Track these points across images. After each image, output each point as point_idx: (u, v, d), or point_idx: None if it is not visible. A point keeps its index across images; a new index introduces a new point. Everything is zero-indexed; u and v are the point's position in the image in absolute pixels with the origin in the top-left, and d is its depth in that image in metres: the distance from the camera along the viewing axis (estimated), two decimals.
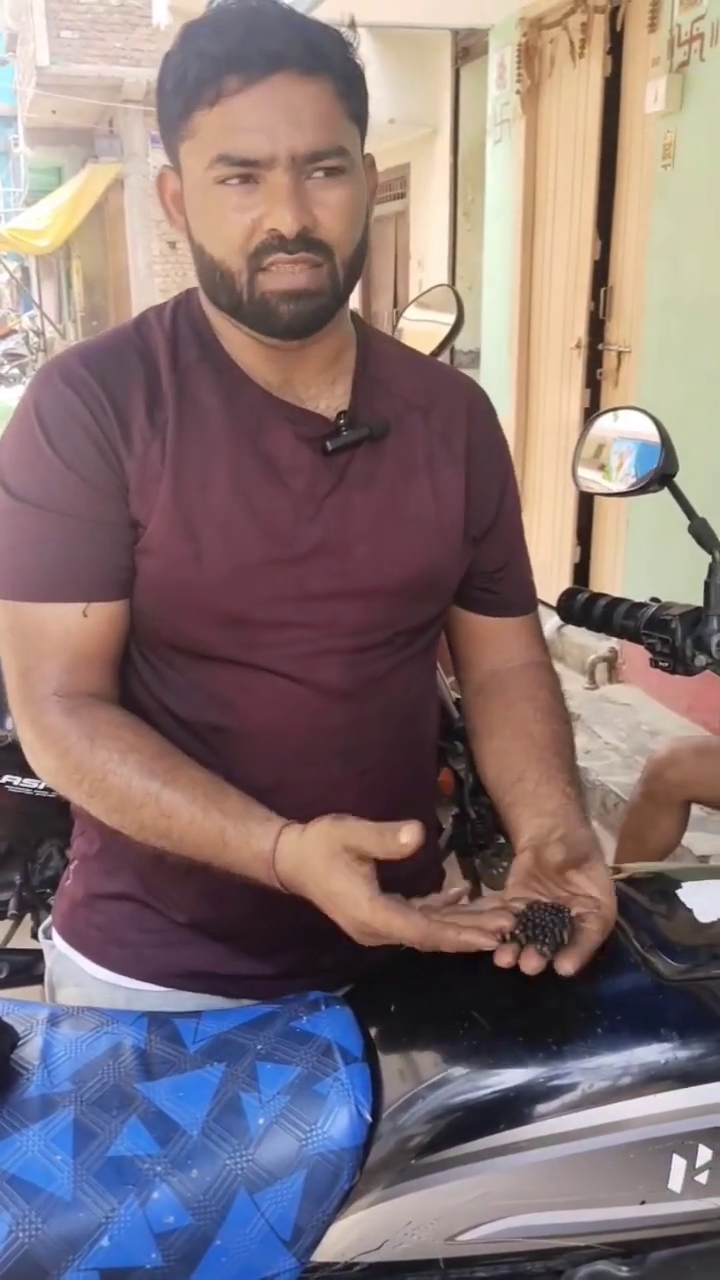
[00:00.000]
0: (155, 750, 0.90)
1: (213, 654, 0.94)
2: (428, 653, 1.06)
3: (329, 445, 0.94)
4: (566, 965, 0.82)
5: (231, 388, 0.94)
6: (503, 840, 2.40)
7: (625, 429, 1.37)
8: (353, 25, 0.90)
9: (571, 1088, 0.79)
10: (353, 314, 1.01)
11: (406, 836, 0.79)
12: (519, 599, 1.12)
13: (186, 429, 0.92)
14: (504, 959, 0.82)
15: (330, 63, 0.85)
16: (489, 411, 1.08)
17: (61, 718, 0.91)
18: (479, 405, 1.07)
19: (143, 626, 0.95)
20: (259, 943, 1.01)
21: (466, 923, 0.82)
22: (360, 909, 0.81)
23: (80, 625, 0.91)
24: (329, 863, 0.82)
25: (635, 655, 3.84)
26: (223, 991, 1.01)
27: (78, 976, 1.04)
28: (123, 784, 0.89)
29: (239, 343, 0.94)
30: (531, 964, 0.82)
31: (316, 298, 0.88)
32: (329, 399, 0.97)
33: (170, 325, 0.96)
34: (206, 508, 0.91)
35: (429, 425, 1.01)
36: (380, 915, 0.81)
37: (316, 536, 0.94)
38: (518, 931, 0.84)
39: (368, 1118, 0.82)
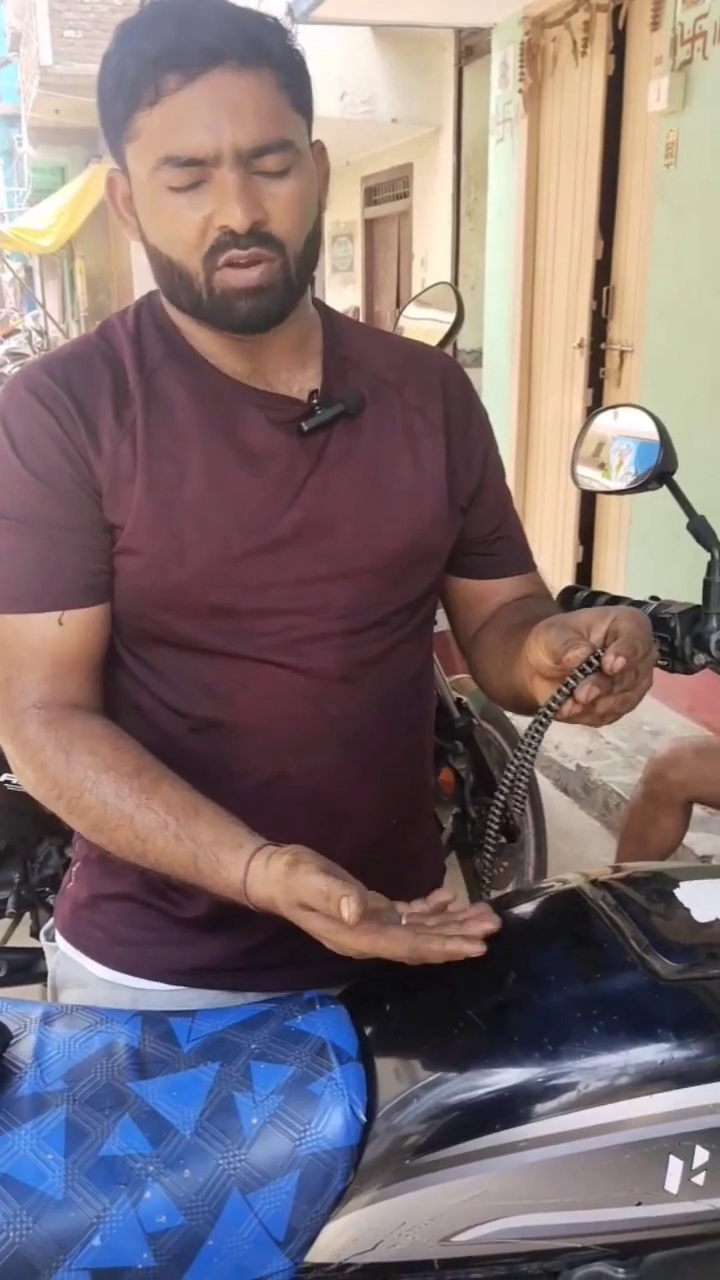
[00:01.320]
0: (131, 768, 0.89)
1: (203, 647, 0.94)
2: (423, 632, 1.04)
3: (304, 426, 0.93)
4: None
5: (199, 380, 0.94)
6: (504, 840, 2.40)
7: (625, 427, 1.37)
8: (290, 13, 0.90)
9: (568, 1088, 0.79)
10: (315, 300, 1.01)
11: (347, 911, 0.78)
12: (517, 558, 1.11)
13: (156, 425, 0.91)
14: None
15: (269, 54, 0.84)
16: (463, 381, 1.07)
17: (40, 730, 0.90)
18: (452, 374, 1.06)
19: (131, 625, 0.95)
20: (264, 930, 1.00)
21: (452, 931, 0.81)
22: (343, 938, 0.81)
23: (57, 634, 0.91)
24: (293, 910, 0.83)
25: None
26: (229, 986, 1.00)
27: (82, 978, 1.04)
28: (98, 803, 0.89)
29: (203, 337, 0.94)
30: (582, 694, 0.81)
31: (270, 293, 0.88)
32: (300, 381, 0.96)
33: (134, 326, 0.96)
34: (184, 502, 0.90)
35: (403, 398, 1.00)
36: (364, 941, 0.81)
37: (297, 520, 0.93)
38: (560, 692, 0.81)
39: (362, 1118, 0.81)
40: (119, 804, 0.88)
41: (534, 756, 0.85)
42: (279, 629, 0.94)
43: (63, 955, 1.06)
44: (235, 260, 0.86)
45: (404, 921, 0.83)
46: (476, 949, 0.80)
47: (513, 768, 0.87)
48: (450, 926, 0.82)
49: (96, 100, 0.89)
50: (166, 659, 0.95)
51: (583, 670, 0.81)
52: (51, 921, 1.10)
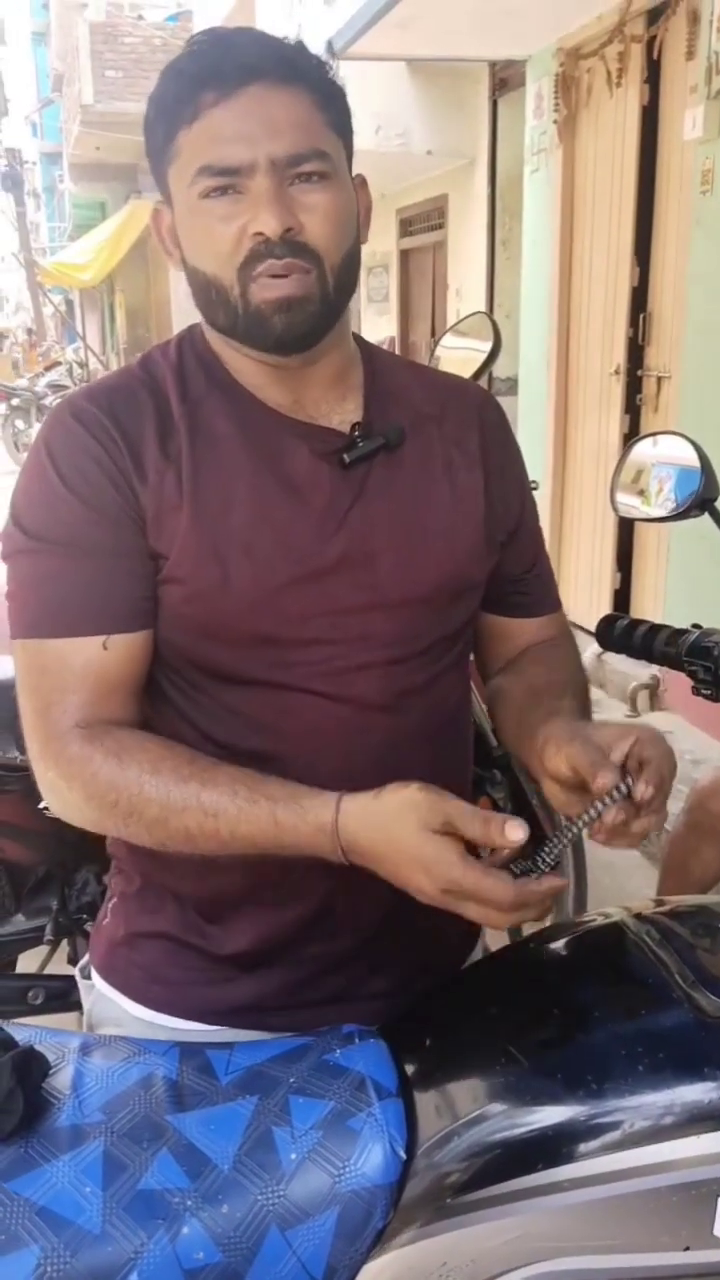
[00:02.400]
0: (186, 756, 0.89)
1: (246, 677, 0.94)
2: (461, 663, 1.04)
3: (346, 458, 0.94)
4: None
5: (243, 412, 0.95)
6: (543, 869, 2.37)
7: (664, 454, 1.36)
8: (330, 50, 0.92)
9: (612, 1127, 0.77)
10: (355, 335, 1.02)
11: (514, 833, 0.78)
12: (546, 598, 1.12)
13: (202, 456, 0.92)
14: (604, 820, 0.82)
15: (305, 74, 0.87)
16: (500, 416, 1.08)
17: (84, 746, 0.90)
18: (489, 409, 1.07)
19: (173, 655, 0.95)
20: (307, 967, 0.99)
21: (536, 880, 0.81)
22: (455, 869, 0.80)
23: (101, 658, 0.91)
24: (420, 830, 0.81)
25: (678, 683, 3.80)
26: (266, 1026, 0.98)
27: (119, 1017, 1.02)
28: (160, 794, 0.87)
29: (246, 368, 0.95)
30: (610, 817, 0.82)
31: (306, 305, 0.88)
32: (341, 414, 0.97)
33: (176, 358, 0.97)
34: (229, 532, 0.91)
35: (443, 432, 1.01)
36: (472, 875, 0.80)
37: (339, 550, 0.93)
38: (587, 813, 0.83)
39: (402, 1155, 0.80)
40: (182, 787, 0.87)
41: (557, 864, 0.85)
42: (322, 659, 0.94)
43: (99, 994, 1.05)
44: (271, 270, 0.86)
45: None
46: (564, 880, 0.81)
47: (540, 867, 0.85)
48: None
49: (144, 133, 0.91)
50: (209, 690, 0.95)
51: (610, 796, 0.82)
52: (86, 959, 1.09)
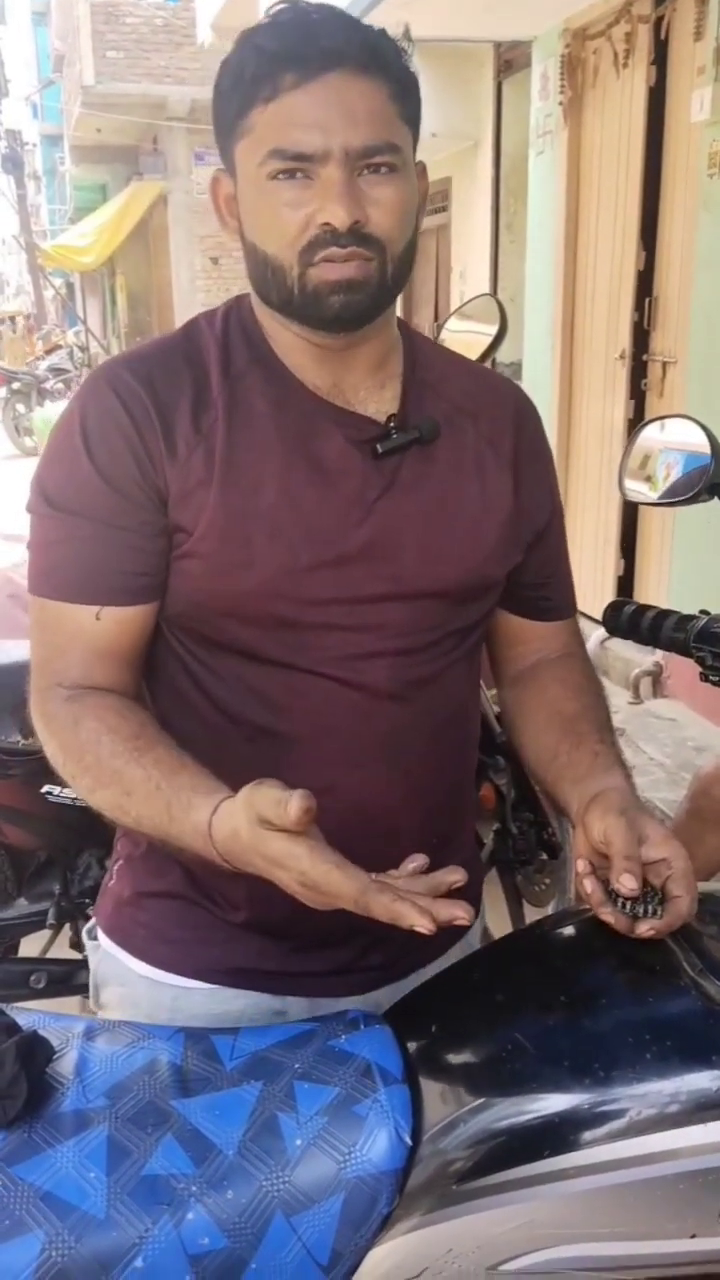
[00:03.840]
0: (131, 731, 0.90)
1: (263, 657, 0.95)
2: (472, 656, 1.06)
3: (379, 448, 0.94)
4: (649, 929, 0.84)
5: (282, 392, 0.95)
6: (544, 856, 2.37)
7: (672, 439, 1.35)
8: (407, 35, 0.91)
9: (619, 1114, 0.77)
10: (399, 320, 1.01)
11: (293, 807, 0.74)
12: (565, 602, 1.13)
13: (237, 434, 0.93)
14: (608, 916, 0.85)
15: (386, 64, 0.86)
16: (535, 419, 1.08)
17: (60, 705, 0.93)
18: (526, 412, 1.07)
19: (194, 630, 0.96)
20: (308, 940, 1.00)
21: (422, 902, 0.77)
22: (301, 861, 0.77)
23: (94, 627, 0.93)
24: (253, 829, 0.79)
25: (681, 669, 3.79)
26: (269, 989, 1.01)
27: (123, 976, 1.04)
28: (95, 763, 0.90)
29: (289, 345, 0.95)
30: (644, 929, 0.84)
31: (365, 288, 0.88)
32: (378, 402, 0.97)
33: (221, 330, 0.97)
34: (257, 511, 0.91)
35: (478, 429, 1.02)
36: (320, 867, 0.77)
37: (365, 539, 0.94)
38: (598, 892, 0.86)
39: (408, 1141, 0.80)
40: (112, 761, 0.89)
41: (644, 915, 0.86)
42: (336, 644, 0.94)
43: (104, 953, 1.07)
44: (332, 257, 0.87)
45: (372, 878, 0.79)
46: (426, 924, 0.75)
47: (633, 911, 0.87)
48: (423, 899, 0.77)
49: (214, 98, 0.90)
50: (226, 666, 0.96)
51: (619, 902, 0.86)
52: (93, 921, 1.10)
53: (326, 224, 0.85)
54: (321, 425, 0.95)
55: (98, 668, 0.94)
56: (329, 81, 0.84)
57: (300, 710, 0.95)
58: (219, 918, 1.01)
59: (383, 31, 0.88)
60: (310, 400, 0.96)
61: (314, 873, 0.77)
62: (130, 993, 1.04)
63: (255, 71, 0.85)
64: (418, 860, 0.81)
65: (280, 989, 1.00)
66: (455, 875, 0.79)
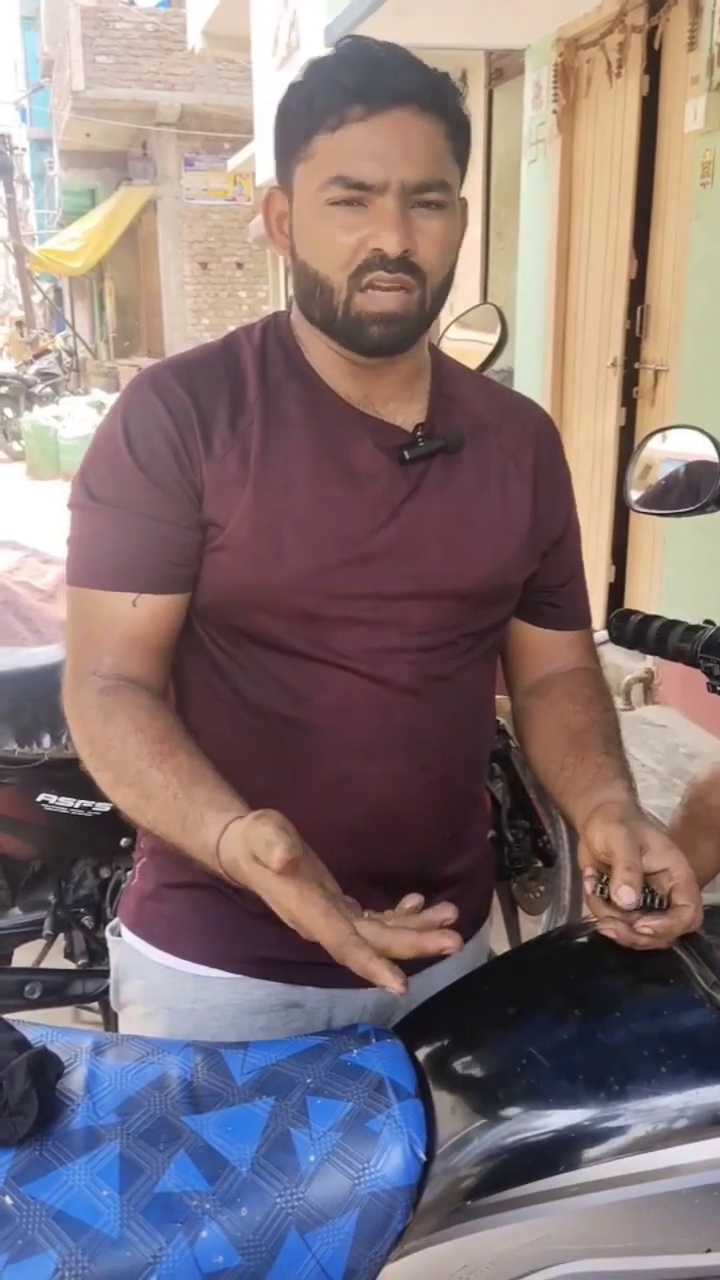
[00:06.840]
0: (158, 734, 0.92)
1: (288, 649, 0.98)
2: (489, 659, 1.09)
3: (406, 454, 0.99)
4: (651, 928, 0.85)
5: (315, 400, 1.00)
6: (540, 864, 2.37)
7: (673, 449, 1.36)
8: (463, 79, 0.93)
9: (634, 1129, 0.77)
10: (429, 343, 1.06)
11: (276, 853, 0.75)
12: (578, 614, 1.16)
13: (272, 436, 0.97)
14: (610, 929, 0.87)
15: (445, 105, 0.92)
16: (555, 437, 1.13)
17: (94, 695, 0.95)
18: (546, 431, 1.12)
19: (223, 621, 0.99)
20: None
21: (410, 937, 0.78)
22: (290, 901, 0.78)
23: (130, 614, 0.96)
24: (250, 863, 0.80)
25: (673, 676, 3.80)
26: (287, 978, 1.03)
27: (144, 968, 1.07)
28: (120, 760, 0.92)
29: (325, 358, 1.00)
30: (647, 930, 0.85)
31: (404, 321, 0.94)
32: (406, 414, 1.02)
33: (260, 343, 1.02)
34: (288, 509, 0.96)
35: (501, 443, 1.06)
36: (306, 912, 0.78)
37: (390, 539, 0.98)
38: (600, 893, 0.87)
39: (422, 1156, 0.79)
40: (136, 762, 0.91)
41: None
42: (359, 638, 0.98)
43: (126, 946, 1.10)
44: (379, 282, 0.91)
45: (366, 915, 0.80)
46: (396, 985, 0.75)
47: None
48: (404, 934, 0.78)
49: (277, 119, 0.94)
50: (252, 657, 1.00)
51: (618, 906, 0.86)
52: (116, 920, 1.13)
53: (378, 249, 0.90)
54: (352, 431, 0.99)
55: (132, 655, 0.97)
56: (393, 117, 0.89)
57: (322, 701, 0.99)
58: (241, 909, 1.01)
59: (444, 75, 0.93)
60: (342, 409, 1.00)
61: (299, 915, 0.79)
62: (150, 984, 1.06)
63: (326, 101, 0.90)
64: (413, 900, 0.83)
65: (298, 979, 1.03)
66: (446, 912, 0.80)
